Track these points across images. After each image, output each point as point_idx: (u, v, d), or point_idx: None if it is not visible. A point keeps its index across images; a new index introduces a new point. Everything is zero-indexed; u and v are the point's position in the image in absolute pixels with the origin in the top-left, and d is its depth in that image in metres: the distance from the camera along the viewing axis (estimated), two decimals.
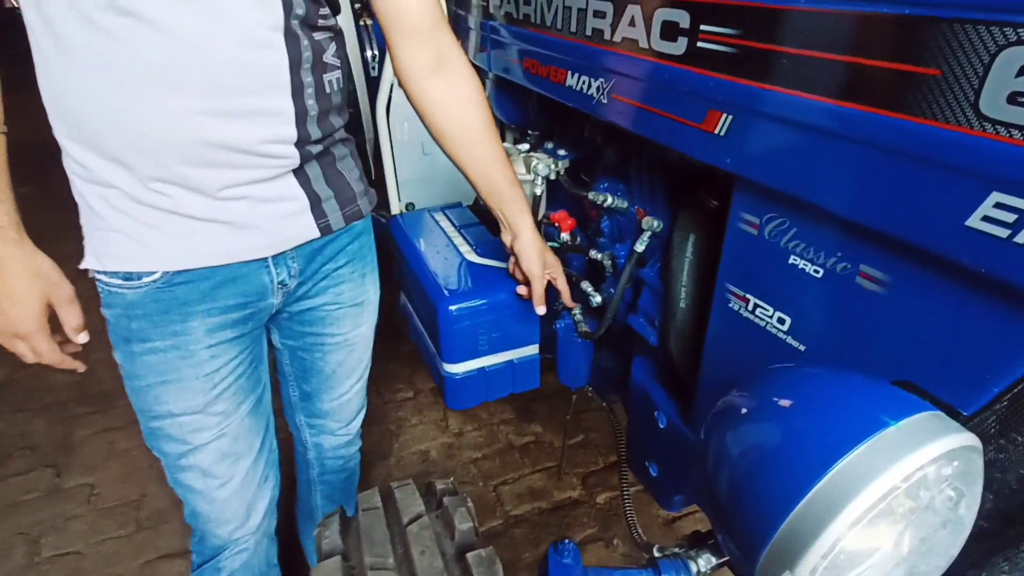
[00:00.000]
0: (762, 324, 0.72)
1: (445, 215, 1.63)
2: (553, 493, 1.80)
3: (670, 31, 0.71)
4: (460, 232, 1.51)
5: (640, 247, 1.00)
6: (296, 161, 0.77)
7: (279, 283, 0.84)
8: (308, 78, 0.74)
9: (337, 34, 0.80)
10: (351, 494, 1.26)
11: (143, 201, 0.70)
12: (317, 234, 0.84)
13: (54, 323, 0.77)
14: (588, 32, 0.88)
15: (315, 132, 0.77)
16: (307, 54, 0.73)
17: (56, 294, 0.74)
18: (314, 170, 0.82)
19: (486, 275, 1.30)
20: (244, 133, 0.69)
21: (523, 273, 1.06)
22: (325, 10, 0.76)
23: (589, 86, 0.92)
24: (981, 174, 0.44)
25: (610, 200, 1.07)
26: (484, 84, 1.44)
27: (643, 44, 0.77)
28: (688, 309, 0.90)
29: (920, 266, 0.53)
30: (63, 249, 0.78)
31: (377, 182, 1.92)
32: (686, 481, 0.97)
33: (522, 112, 1.41)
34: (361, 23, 1.98)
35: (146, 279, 0.74)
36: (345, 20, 1.83)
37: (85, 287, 0.80)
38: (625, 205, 1.08)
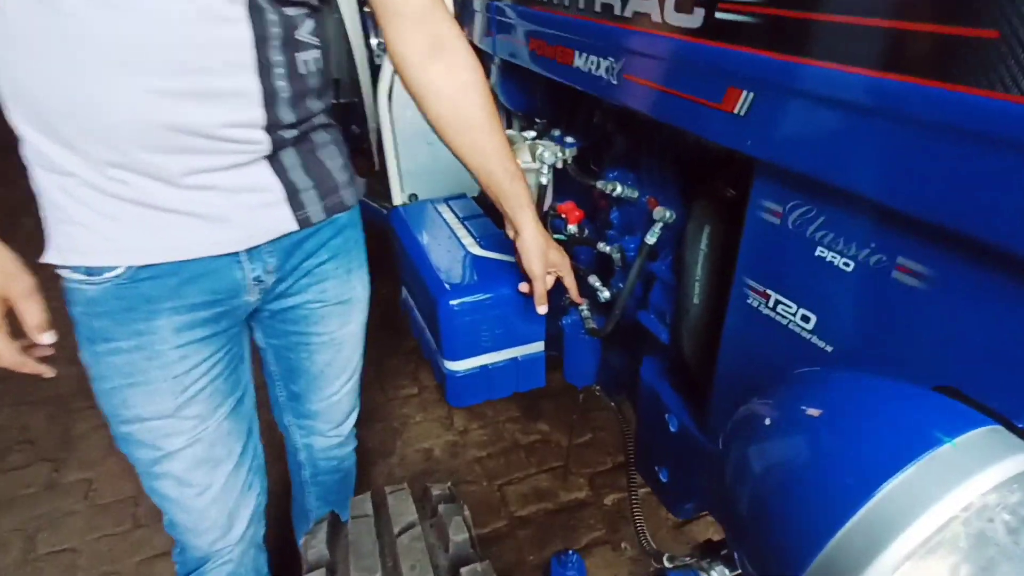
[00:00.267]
0: (784, 322, 0.66)
1: (448, 206, 1.57)
2: (559, 494, 1.75)
3: (686, 2, 0.65)
4: (463, 224, 1.46)
5: (651, 239, 0.94)
6: (267, 147, 0.71)
7: (254, 279, 0.79)
8: (277, 56, 0.68)
9: (315, 10, 0.74)
10: (347, 495, 1.22)
11: (103, 190, 0.65)
12: (295, 227, 0.79)
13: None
14: (597, 8, 0.82)
15: (288, 116, 0.72)
16: (275, 30, 0.67)
17: (12, 287, 0.68)
18: (290, 158, 0.76)
19: (489, 268, 1.24)
20: (204, 116, 0.64)
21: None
22: None
23: (598, 66, 0.86)
24: None
25: (620, 189, 1.01)
26: (489, 70, 1.38)
27: (656, 18, 0.71)
28: (702, 305, 0.84)
29: (967, 258, 0.47)
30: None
31: (380, 173, 1.87)
32: (698, 488, 0.91)
33: (528, 99, 1.35)
34: (365, 8, 1.92)
35: (108, 274, 0.68)
36: (347, 6, 1.78)
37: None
38: (636, 194, 1.02)
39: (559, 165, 1.15)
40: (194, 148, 0.65)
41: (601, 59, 0.85)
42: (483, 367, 1.22)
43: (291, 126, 0.73)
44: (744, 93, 0.61)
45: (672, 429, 0.91)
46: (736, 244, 0.73)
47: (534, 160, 1.15)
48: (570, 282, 1.03)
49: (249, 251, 0.76)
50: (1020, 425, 0.47)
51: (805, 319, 0.63)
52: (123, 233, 0.67)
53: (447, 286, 1.17)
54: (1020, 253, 0.41)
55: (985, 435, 0.42)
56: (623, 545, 1.61)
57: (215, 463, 0.84)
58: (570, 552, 1.41)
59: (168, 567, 1.51)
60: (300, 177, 0.78)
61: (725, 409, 0.81)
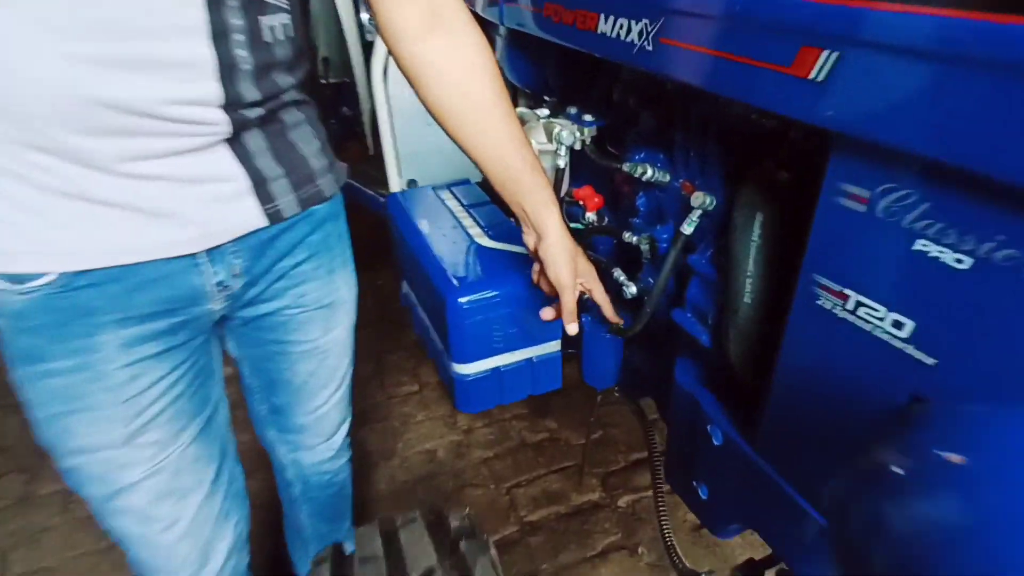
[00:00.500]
0: (867, 328, 0.56)
1: (451, 193, 1.46)
2: (571, 496, 1.66)
3: None
4: (469, 212, 1.34)
5: (688, 228, 0.83)
6: (227, 129, 0.59)
7: (217, 285, 0.67)
8: (236, 20, 0.56)
9: None
10: (343, 509, 1.11)
11: (23, 179, 0.53)
12: (264, 222, 0.67)
13: None
14: None
15: (251, 92, 0.60)
16: None
17: None
18: (256, 141, 0.64)
19: (500, 262, 1.14)
20: (142, 90, 0.52)
21: (549, 283, 0.82)
22: None
23: (628, 31, 0.75)
24: None
25: (650, 172, 0.90)
26: (494, 42, 1.26)
27: None
28: (754, 305, 0.74)
29: None
30: None
31: (375, 158, 1.75)
32: (746, 507, 0.82)
33: (538, 73, 1.23)
34: None
35: (37, 282, 0.57)
36: None
37: None
38: (667, 178, 0.91)
39: (577, 146, 1.04)
40: (131, 129, 0.53)
41: (633, 22, 0.74)
42: (495, 369, 1.13)
43: (255, 104, 0.61)
44: (823, 53, 0.51)
45: (716, 442, 0.81)
46: (795, 235, 0.63)
47: (550, 141, 1.04)
48: (600, 297, 0.88)
49: (210, 252, 0.64)
50: None
51: (898, 325, 0.53)
52: (52, 233, 0.55)
53: (455, 282, 1.06)
54: None
55: None
56: (640, 550, 1.53)
57: (182, 494, 0.73)
58: None
59: None
60: (268, 164, 0.66)
61: (783, 423, 0.71)
